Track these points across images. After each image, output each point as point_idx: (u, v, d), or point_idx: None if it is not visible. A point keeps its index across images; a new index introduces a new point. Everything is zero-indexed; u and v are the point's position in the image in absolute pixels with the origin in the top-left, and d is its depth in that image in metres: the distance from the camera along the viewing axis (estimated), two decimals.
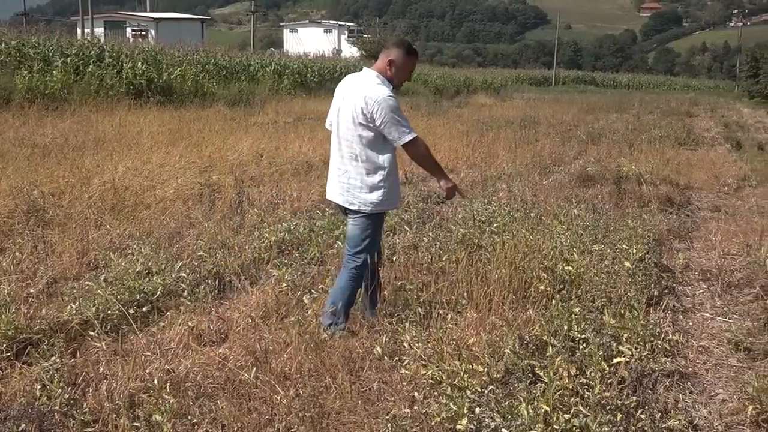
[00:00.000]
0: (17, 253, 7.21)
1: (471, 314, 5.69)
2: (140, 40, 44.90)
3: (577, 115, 29.72)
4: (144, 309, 6.03)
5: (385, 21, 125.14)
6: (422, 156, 5.80)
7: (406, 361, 5.00)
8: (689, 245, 9.54)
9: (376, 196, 5.69)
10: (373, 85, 5.62)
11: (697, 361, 5.87)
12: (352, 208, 5.77)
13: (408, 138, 5.59)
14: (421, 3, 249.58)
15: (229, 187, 10.56)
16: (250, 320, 5.80)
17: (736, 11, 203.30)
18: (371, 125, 5.56)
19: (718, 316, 6.97)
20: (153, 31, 57.89)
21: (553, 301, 5.92)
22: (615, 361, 5.00)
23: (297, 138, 16.29)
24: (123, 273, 6.54)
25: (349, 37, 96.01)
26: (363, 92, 5.59)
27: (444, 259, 7.31)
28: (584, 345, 5.14)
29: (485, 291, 6.10)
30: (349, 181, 5.75)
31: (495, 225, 8.26)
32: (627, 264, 6.99)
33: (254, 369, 4.86)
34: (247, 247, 7.70)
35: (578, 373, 4.78)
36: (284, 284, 6.44)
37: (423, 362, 4.94)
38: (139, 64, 25.96)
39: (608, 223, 9.12)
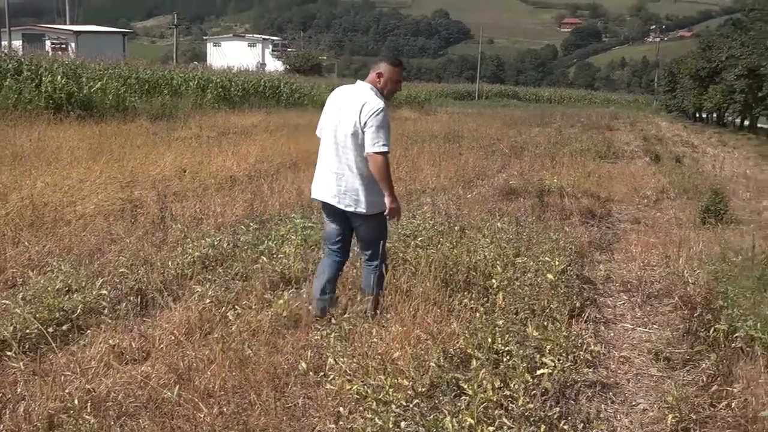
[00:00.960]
0: None
1: (396, 328, 5.68)
2: (60, 53, 44.11)
3: (500, 129, 30.06)
4: (64, 327, 5.91)
5: (309, 35, 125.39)
6: (383, 170, 5.99)
7: (332, 377, 5.00)
8: (610, 257, 9.71)
9: (378, 196, 6.14)
10: (371, 95, 6.09)
11: (619, 371, 5.96)
12: (357, 211, 6.17)
13: (381, 149, 5.91)
14: (345, 17, 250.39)
15: (152, 202, 10.43)
16: (173, 337, 5.73)
17: (653, 27, 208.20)
18: (364, 131, 5.95)
19: (639, 326, 7.09)
20: (73, 44, 56.92)
21: (477, 314, 5.97)
22: (538, 372, 5.05)
23: (221, 152, 16.16)
24: (42, 291, 6.40)
25: (273, 51, 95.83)
26: (362, 100, 6.03)
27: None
28: (508, 357, 5.19)
29: (410, 305, 6.11)
30: (348, 186, 6.12)
31: (419, 239, 8.29)
32: (549, 276, 7.07)
33: (177, 387, 4.79)
34: (170, 263, 7.60)
35: (502, 385, 4.82)
36: (208, 300, 6.38)
37: (348, 377, 4.93)
38: (59, 77, 25.48)
39: (531, 235, 9.23)
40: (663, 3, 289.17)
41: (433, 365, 5.05)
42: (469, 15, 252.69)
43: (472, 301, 6.42)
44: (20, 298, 6.12)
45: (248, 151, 16.52)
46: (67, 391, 4.76)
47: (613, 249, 10.12)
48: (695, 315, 6.92)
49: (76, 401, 4.52)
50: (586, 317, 6.89)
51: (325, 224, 6.55)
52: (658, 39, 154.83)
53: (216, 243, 8.34)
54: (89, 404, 4.51)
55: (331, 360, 5.18)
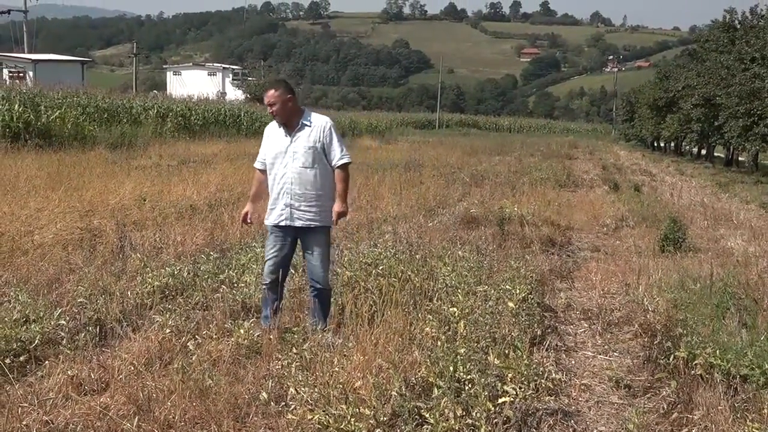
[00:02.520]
0: None
1: (357, 357, 5.67)
2: (17, 81, 43.77)
3: (460, 158, 30.24)
4: (21, 358, 5.84)
5: (269, 64, 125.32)
6: None
7: (293, 406, 4.97)
8: (571, 285, 9.76)
9: None
10: None
11: (580, 399, 5.98)
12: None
13: None
14: (305, 46, 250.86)
15: (111, 231, 10.35)
16: (132, 368, 5.68)
17: (611, 57, 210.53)
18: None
19: (600, 354, 7.13)
20: (31, 73, 56.50)
21: (439, 343, 5.96)
22: (500, 401, 5.06)
23: (181, 181, 16.10)
24: None
25: (233, 80, 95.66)
26: None
27: (330, 302, 7.30)
28: (470, 385, 5.19)
29: (372, 333, 6.11)
30: None
31: (381, 267, 8.29)
32: (510, 304, 7.10)
33: (137, 418, 4.75)
34: (129, 293, 7.54)
35: (464, 413, 4.82)
36: (168, 330, 6.34)
37: (310, 407, 4.91)
38: (16, 106, 25.29)
39: (492, 264, 9.28)
40: (621, 33, 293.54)
41: (395, 394, 5.04)
42: (429, 45, 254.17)
43: (434, 330, 6.42)
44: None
45: (209, 180, 16.47)
46: (24, 422, 4.70)
47: (574, 277, 10.18)
48: (655, 342, 6.96)
49: None
50: (547, 345, 6.92)
51: None
52: (616, 69, 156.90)
53: (176, 272, 8.28)
54: None
55: (292, 390, 5.16)
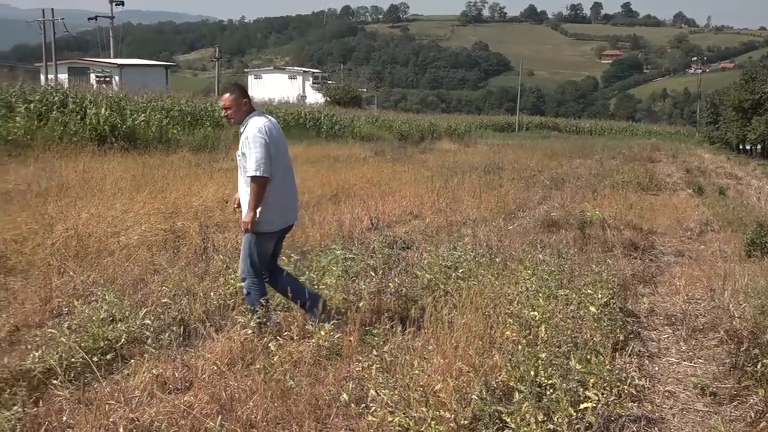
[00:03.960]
0: None
1: (438, 360, 5.66)
2: (104, 86, 44.71)
3: (540, 161, 29.96)
4: (108, 356, 5.97)
5: (349, 67, 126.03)
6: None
7: (373, 408, 4.98)
8: (654, 290, 9.60)
9: None
10: None
11: (664, 406, 5.88)
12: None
13: None
14: (384, 50, 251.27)
15: (194, 233, 10.51)
16: (215, 367, 5.76)
17: (695, 58, 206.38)
18: None
19: (684, 360, 7.00)
20: (117, 77, 57.64)
21: (520, 347, 5.92)
22: (582, 406, 5.00)
23: None
24: (87, 320, 6.46)
25: (313, 83, 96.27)
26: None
27: (410, 304, 7.32)
28: (551, 390, 5.14)
29: (452, 336, 6.09)
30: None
31: (461, 270, 8.28)
32: (592, 309, 7.01)
33: (220, 417, 4.81)
34: (212, 294, 7.64)
35: (545, 419, 4.78)
36: (250, 331, 6.40)
37: (390, 409, 4.92)
38: (103, 110, 25.80)
39: (573, 268, 9.17)
40: (705, 34, 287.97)
41: (476, 398, 5.02)
42: (509, 47, 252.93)
43: (514, 334, 6.38)
44: (66, 327, 6.18)
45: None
46: (111, 420, 4.79)
47: (657, 282, 10.01)
48: (742, 349, 6.80)
49: (121, 430, 4.55)
50: (629, 351, 6.82)
51: (270, 246, 7.03)
52: (699, 70, 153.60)
53: None
54: None
55: (372, 391, 5.18)
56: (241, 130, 6.82)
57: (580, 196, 17.53)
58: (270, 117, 7.02)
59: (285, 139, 7.21)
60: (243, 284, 6.98)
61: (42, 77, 47.87)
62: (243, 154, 6.72)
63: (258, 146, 6.61)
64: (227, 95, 6.94)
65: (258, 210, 6.69)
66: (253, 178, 6.61)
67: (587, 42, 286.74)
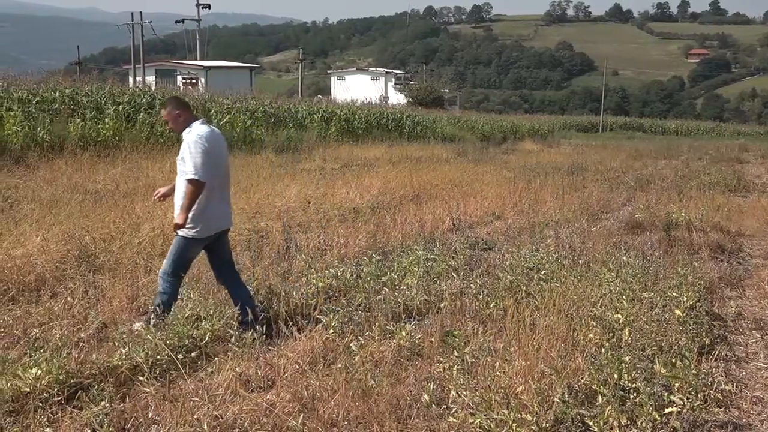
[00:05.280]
0: (69, 298, 7.33)
1: (519, 362, 5.63)
2: (190, 87, 45.53)
3: (625, 162, 29.52)
4: (192, 354, 6.07)
5: (431, 68, 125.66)
6: None
7: (454, 410, 4.97)
8: (741, 293, 9.39)
9: None
10: None
11: (752, 411, 5.75)
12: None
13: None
14: (467, 50, 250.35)
15: (277, 233, 10.63)
16: (297, 366, 5.81)
17: None
18: None
19: None
20: (203, 79, 58.60)
21: (603, 350, 5.84)
22: (666, 411, 4.93)
23: (344, 184, 16.35)
24: (172, 318, 6.58)
25: (396, 84, 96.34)
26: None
27: (492, 306, 7.29)
28: (635, 394, 5.07)
29: (534, 339, 6.06)
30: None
31: (543, 272, 8.22)
32: (678, 312, 6.90)
33: (301, 416, 4.85)
34: (294, 293, 7.71)
35: (629, 423, 4.72)
36: (331, 330, 6.46)
37: (471, 411, 4.90)
38: None
39: (658, 270, 9.01)
40: None
41: (558, 400, 4.98)
42: (593, 47, 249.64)
43: (597, 336, 6.31)
44: (151, 325, 6.29)
45: (371, 183, 16.67)
46: (195, 416, 4.87)
47: (745, 285, 9.78)
48: None
49: (204, 426, 4.63)
50: (716, 355, 6.69)
51: (196, 252, 7.13)
52: None
53: (339, 274, 8.43)
54: (217, 430, 4.61)
55: (453, 393, 5.17)
56: (184, 137, 6.87)
57: (665, 197, 17.21)
58: (213, 127, 7.12)
59: (227, 148, 7.35)
60: (159, 283, 6.98)
61: (130, 79, 48.90)
62: (183, 159, 6.76)
63: (198, 151, 6.69)
64: (163, 110, 7.10)
65: (192, 214, 6.76)
66: (191, 181, 6.66)
67: (674, 41, 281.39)
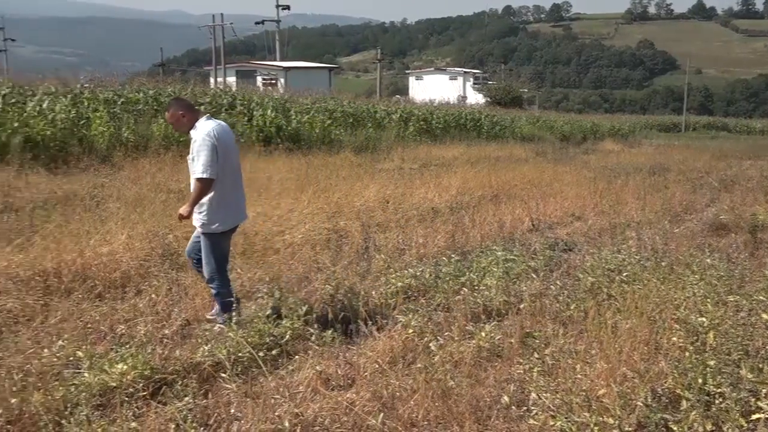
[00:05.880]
0: (153, 295, 7.47)
1: (601, 365, 5.56)
2: (270, 88, 45.96)
3: (708, 162, 28.94)
4: (273, 352, 6.13)
5: (510, 67, 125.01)
6: None
7: (535, 412, 4.94)
8: None
9: None
10: None
11: None
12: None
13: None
14: (546, 49, 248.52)
15: (356, 232, 10.67)
16: (376, 366, 5.83)
17: None
18: None
19: None
20: (282, 80, 59.14)
21: (687, 353, 5.74)
22: (753, 417, 4.82)
23: (422, 184, 16.35)
24: (253, 316, 6.65)
25: (474, 84, 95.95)
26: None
27: (572, 307, 7.22)
28: (720, 399, 4.97)
29: (615, 341, 5.97)
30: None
31: (624, 274, 8.11)
32: (764, 316, 6.73)
33: (381, 415, 4.87)
34: (373, 293, 7.74)
35: (714, 428, 4.64)
36: (411, 330, 6.46)
37: (552, 413, 4.86)
38: (269, 111, 26.54)
39: (744, 273, 8.81)
40: None
41: (641, 404, 4.90)
42: (675, 45, 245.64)
43: (681, 340, 6.20)
44: (233, 323, 6.37)
45: (449, 183, 16.63)
46: (276, 414, 4.92)
47: None
48: None
49: (285, 424, 4.67)
50: None
51: (227, 245, 7.26)
52: None
53: (418, 274, 8.42)
54: (298, 428, 4.64)
55: (534, 395, 5.13)
56: (192, 135, 6.89)
57: (751, 198, 16.84)
58: (221, 122, 7.12)
59: (235, 141, 7.35)
60: (212, 286, 7.05)
61: (211, 80, 49.61)
62: (192, 158, 6.81)
63: (206, 149, 6.72)
64: (167, 113, 7.13)
65: (210, 211, 6.87)
66: (199, 180, 6.70)
67: (759, 38, 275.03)
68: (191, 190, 6.84)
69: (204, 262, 7.02)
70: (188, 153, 6.91)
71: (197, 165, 6.72)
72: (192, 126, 6.95)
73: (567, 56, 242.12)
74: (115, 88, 24.79)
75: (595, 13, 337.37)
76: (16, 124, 18.28)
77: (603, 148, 38.29)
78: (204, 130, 6.82)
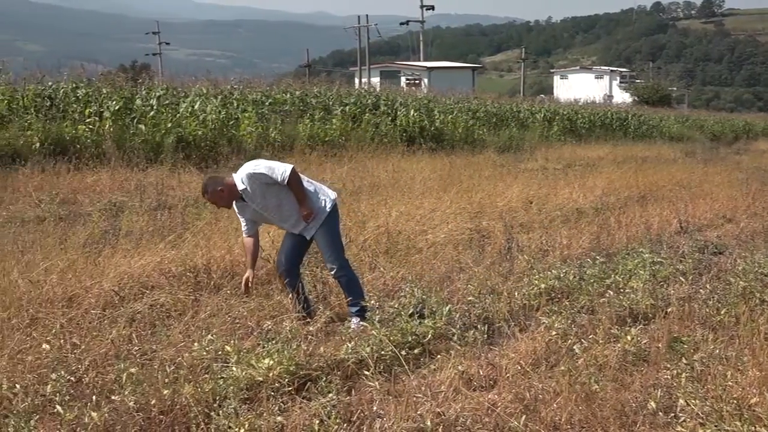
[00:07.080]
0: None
1: (753, 372, 5.37)
2: (413, 88, 46.26)
3: None
4: (415, 351, 6.15)
5: (658, 65, 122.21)
6: None
7: (683, 419, 4.81)
8: None
9: None
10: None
11: None
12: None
13: None
14: (697, 47, 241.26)
15: (499, 233, 10.61)
16: (519, 367, 5.78)
17: None
18: None
19: None
20: (426, 80, 59.48)
21: None
22: None
23: (567, 185, 16.14)
24: (395, 315, 6.69)
25: (621, 82, 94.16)
26: None
27: (723, 312, 7.00)
28: None
29: None
30: None
31: None
32: None
33: (523, 417, 4.83)
34: (516, 294, 7.68)
35: None
36: (554, 332, 6.38)
37: (701, 420, 4.73)
38: (412, 111, 26.75)
39: None
40: None
41: None
42: None
43: None
44: (377, 321, 6.42)
45: (594, 184, 16.36)
46: (418, 412, 4.94)
47: None
48: None
49: (428, 423, 4.68)
50: None
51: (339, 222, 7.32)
52: None
53: (562, 275, 8.30)
54: (440, 427, 4.65)
55: (682, 401, 5.00)
56: (241, 188, 6.80)
57: None
58: None
59: None
60: (340, 278, 7.09)
61: (356, 81, 50.32)
62: (267, 184, 6.79)
63: (262, 162, 6.84)
64: (203, 197, 7.20)
65: (309, 198, 6.91)
66: (288, 176, 6.70)
67: None
68: (293, 205, 6.91)
69: (328, 253, 7.07)
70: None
71: (276, 171, 6.72)
72: (233, 197, 6.92)
73: (718, 53, 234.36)
74: (263, 89, 25.48)
75: (749, 9, 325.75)
76: (169, 125, 19.03)
77: (756, 148, 37.03)
78: (244, 171, 6.79)
